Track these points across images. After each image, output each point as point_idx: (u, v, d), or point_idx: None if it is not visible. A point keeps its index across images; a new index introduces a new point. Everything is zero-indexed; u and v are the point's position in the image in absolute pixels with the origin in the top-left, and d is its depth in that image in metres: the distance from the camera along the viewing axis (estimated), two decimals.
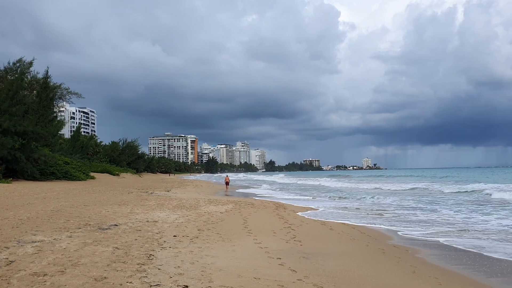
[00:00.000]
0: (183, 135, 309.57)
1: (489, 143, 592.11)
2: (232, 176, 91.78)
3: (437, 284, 7.12)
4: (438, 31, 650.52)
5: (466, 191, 33.54)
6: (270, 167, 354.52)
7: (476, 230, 13.51)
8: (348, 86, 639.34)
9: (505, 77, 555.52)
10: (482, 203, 23.91)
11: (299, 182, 67.49)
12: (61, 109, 64.02)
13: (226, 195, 32.96)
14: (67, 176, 38.71)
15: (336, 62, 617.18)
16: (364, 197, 29.24)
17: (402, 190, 38.79)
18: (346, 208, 21.55)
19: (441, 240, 11.75)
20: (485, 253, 9.90)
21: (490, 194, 29.78)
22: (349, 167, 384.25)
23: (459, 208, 20.74)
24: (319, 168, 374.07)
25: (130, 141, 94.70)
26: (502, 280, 7.55)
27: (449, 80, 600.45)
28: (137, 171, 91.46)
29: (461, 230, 13.49)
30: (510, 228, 14.02)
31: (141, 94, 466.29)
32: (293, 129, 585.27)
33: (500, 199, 26.03)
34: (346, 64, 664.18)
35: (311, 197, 31.49)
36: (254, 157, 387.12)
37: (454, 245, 10.94)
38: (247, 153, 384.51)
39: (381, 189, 40.44)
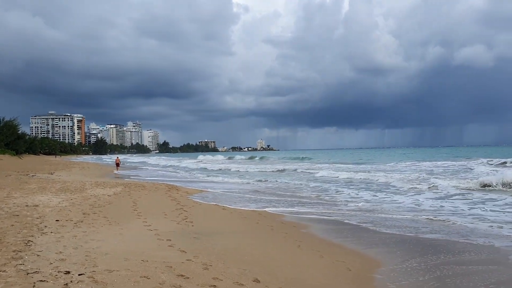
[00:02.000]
0: (68, 114, 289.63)
1: (369, 126, 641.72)
2: (121, 157, 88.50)
3: (319, 256, 7.60)
4: (326, 19, 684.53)
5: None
6: (164, 148, 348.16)
7: (355, 207, 14.68)
8: (242, 68, 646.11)
9: (384, 65, 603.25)
10: (366, 183, 25.90)
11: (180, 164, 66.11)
12: None
13: (116, 177, 31.76)
14: None
15: (230, 44, 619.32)
16: (254, 179, 30.18)
17: (275, 171, 40.87)
18: (236, 190, 22.05)
19: (328, 216, 12.56)
20: (364, 226, 10.81)
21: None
22: (244, 148, 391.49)
23: (344, 187, 22.34)
24: (215, 150, 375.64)
25: (8, 120, 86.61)
26: (378, 250, 8.29)
27: (335, 66, 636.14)
28: (17, 152, 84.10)
29: (346, 207, 14.57)
30: (375, 201, 15.48)
31: (20, 70, 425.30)
32: (188, 110, 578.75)
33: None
34: (240, 46, 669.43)
35: (202, 178, 31.83)
36: (147, 138, 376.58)
37: (340, 219, 11.82)
38: (139, 133, 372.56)
39: (261, 171, 41.95)
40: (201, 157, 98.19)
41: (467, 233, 9.97)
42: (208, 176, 34.31)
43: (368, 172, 32.64)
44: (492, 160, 40.94)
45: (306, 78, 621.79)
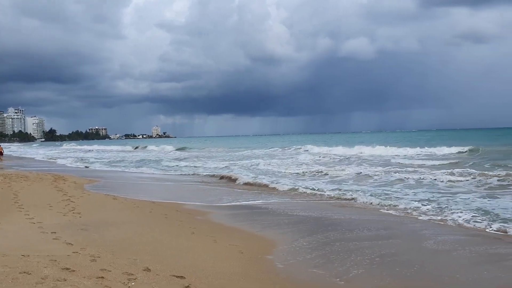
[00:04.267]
0: None
1: (264, 114, 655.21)
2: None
3: (212, 241, 7.71)
4: (220, 5, 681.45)
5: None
6: (51, 136, 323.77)
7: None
8: (134, 52, 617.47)
9: (277, 54, 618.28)
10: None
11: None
12: None
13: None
14: None
15: (121, 27, 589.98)
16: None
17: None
18: (123, 177, 21.48)
19: (226, 202, 12.76)
20: (261, 209, 11.19)
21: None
22: (138, 135, 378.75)
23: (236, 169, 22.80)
24: (106, 137, 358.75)
25: None
26: (271, 232, 8.67)
27: (230, 54, 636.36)
28: None
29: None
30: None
31: None
32: (76, 95, 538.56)
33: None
34: (132, 30, 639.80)
35: (98, 168, 30.56)
36: (31, 126, 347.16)
37: (238, 204, 12.10)
38: (22, 121, 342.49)
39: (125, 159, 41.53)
40: (65, 146, 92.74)
41: (361, 211, 10.86)
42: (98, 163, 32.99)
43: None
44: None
45: (201, 64, 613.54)
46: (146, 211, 10.72)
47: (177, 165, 30.20)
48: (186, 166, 29.41)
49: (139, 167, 30.31)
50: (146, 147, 75.75)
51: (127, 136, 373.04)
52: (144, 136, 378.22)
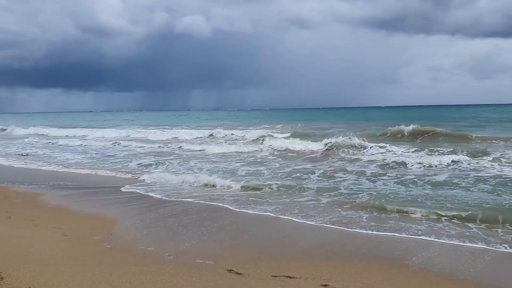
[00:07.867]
0: None
1: (99, 89, 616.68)
2: None
3: (33, 225, 7.19)
4: None
5: None
6: None
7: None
8: None
9: (110, 27, 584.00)
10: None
11: None
12: None
13: None
14: None
15: None
16: None
17: None
18: None
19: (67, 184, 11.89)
20: (96, 188, 10.70)
21: None
22: None
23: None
24: None
25: None
26: (104, 212, 8.40)
27: (58, 23, 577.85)
28: None
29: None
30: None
31: None
32: None
33: None
34: None
35: None
36: None
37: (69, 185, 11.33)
38: None
39: None
40: None
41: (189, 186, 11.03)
42: None
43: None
44: None
45: (23, 32, 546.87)
46: None
47: None
48: None
49: None
50: None
51: None
52: None
